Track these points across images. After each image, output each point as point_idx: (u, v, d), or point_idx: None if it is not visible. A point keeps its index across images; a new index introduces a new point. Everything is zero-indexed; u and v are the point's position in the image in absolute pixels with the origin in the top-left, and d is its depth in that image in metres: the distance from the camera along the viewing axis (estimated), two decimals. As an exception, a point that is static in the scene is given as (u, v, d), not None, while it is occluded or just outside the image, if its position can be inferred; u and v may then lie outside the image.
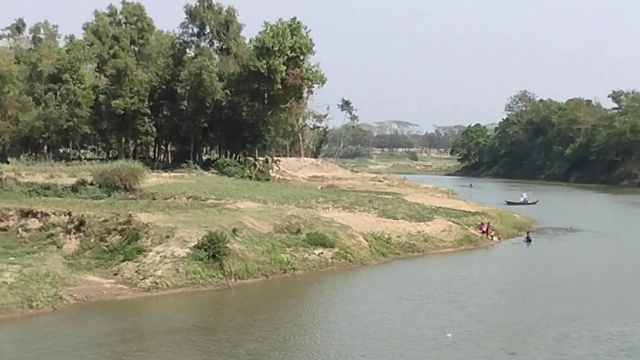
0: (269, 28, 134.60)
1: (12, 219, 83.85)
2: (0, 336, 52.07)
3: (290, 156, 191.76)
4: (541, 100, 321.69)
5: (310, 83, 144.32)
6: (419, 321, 57.55)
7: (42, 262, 67.83)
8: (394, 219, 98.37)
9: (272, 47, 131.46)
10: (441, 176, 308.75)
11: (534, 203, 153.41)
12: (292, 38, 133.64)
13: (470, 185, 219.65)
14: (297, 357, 48.48)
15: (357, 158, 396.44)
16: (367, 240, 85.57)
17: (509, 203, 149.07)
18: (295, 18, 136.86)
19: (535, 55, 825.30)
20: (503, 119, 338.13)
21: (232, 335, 52.61)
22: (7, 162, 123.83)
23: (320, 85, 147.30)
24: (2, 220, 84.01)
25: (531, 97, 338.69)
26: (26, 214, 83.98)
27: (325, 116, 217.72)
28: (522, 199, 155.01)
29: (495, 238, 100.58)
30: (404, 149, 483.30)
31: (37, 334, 52.03)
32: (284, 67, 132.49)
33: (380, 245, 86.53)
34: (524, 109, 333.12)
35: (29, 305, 57.51)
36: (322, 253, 78.67)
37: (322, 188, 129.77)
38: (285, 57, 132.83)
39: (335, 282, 74.57)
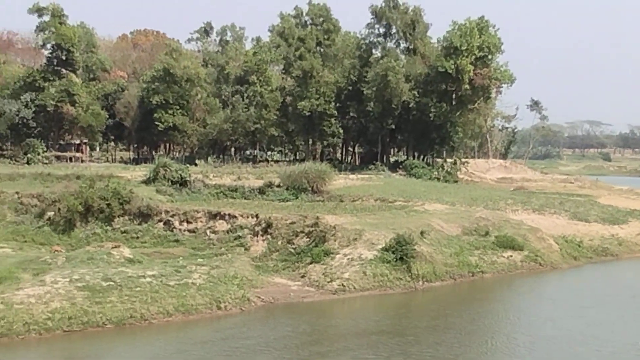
0: (456, 27, 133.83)
1: (201, 221, 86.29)
2: (191, 336, 53.41)
3: (478, 157, 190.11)
4: None
5: (498, 83, 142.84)
6: (623, 328, 56.20)
7: (230, 263, 69.45)
8: (585, 221, 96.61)
9: (460, 46, 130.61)
10: (636, 177, 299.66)
11: None
12: (480, 37, 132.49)
13: None
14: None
15: (547, 159, 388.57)
16: (557, 243, 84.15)
17: None
18: (483, 17, 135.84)
19: None
20: None
21: (424, 339, 52.29)
22: (196, 165, 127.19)
23: (509, 85, 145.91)
24: (191, 222, 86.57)
25: None
26: (214, 216, 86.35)
27: (514, 116, 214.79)
28: None
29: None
30: (596, 150, 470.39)
31: (226, 335, 53.12)
32: (472, 67, 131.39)
33: (572, 248, 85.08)
34: None
35: (217, 306, 59.01)
36: (511, 256, 77.81)
37: (513, 190, 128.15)
38: (473, 56, 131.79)
39: (528, 285, 73.44)
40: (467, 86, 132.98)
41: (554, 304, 65.13)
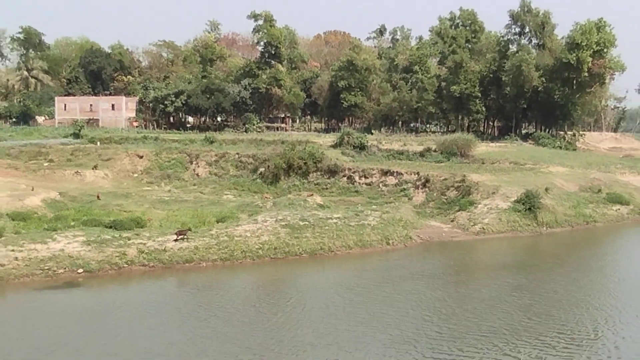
0: (578, 27, 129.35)
1: (375, 177, 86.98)
2: (367, 264, 54.19)
3: (593, 131, 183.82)
4: None
5: (612, 71, 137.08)
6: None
7: (397, 210, 69.90)
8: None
9: (581, 42, 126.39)
10: None
11: None
12: (597, 34, 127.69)
13: None
14: (615, 292, 46.23)
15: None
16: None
17: None
18: (602, 18, 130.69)
19: None
20: None
21: (547, 272, 51.54)
22: (371, 134, 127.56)
23: (620, 72, 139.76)
24: (368, 177, 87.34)
25: None
26: (385, 173, 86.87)
27: (624, 98, 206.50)
28: None
29: None
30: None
31: (393, 265, 53.54)
32: (591, 59, 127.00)
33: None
34: None
35: (386, 242, 59.54)
36: (618, 209, 75.67)
37: (622, 157, 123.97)
38: (592, 50, 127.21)
39: (632, 233, 71.29)
40: (585, 74, 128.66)
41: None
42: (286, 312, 40.55)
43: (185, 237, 53.19)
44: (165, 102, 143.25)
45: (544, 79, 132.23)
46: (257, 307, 41.88)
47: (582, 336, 36.38)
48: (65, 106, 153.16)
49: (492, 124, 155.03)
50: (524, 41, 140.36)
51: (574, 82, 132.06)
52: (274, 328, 37.47)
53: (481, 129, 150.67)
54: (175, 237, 53.21)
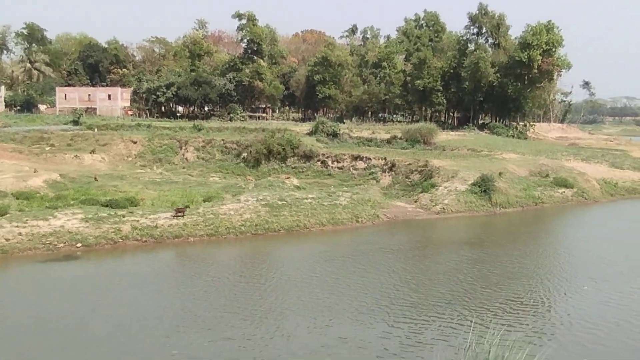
0: (529, 28, 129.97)
1: (346, 161, 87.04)
2: (339, 239, 54.22)
3: (542, 122, 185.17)
4: None
5: (559, 68, 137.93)
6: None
7: (366, 191, 70.16)
8: (620, 169, 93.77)
9: (532, 42, 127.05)
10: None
11: None
12: (547, 35, 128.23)
13: None
14: (561, 265, 46.70)
15: (593, 124, 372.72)
16: (599, 184, 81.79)
17: None
18: (550, 20, 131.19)
19: None
20: None
21: (498, 247, 52.01)
22: (343, 122, 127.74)
23: (567, 69, 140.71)
24: (340, 162, 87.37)
25: None
26: (355, 158, 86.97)
27: (569, 93, 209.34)
28: None
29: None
30: (631, 118, 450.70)
31: (362, 240, 53.66)
32: (540, 57, 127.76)
33: (609, 188, 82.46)
34: None
35: (356, 220, 59.68)
36: (564, 192, 76.25)
37: (567, 145, 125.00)
38: (541, 49, 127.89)
39: (575, 213, 71.83)
40: (536, 71, 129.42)
41: (591, 228, 64.02)
42: (268, 282, 40.53)
43: (183, 214, 53.12)
44: (157, 93, 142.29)
45: (498, 75, 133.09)
46: (241, 277, 41.86)
47: (534, 304, 36.72)
48: (65, 96, 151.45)
49: (452, 114, 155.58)
50: (481, 41, 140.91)
51: (526, 78, 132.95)
52: (258, 296, 37.44)
53: (442, 119, 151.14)
54: (174, 214, 53.29)
